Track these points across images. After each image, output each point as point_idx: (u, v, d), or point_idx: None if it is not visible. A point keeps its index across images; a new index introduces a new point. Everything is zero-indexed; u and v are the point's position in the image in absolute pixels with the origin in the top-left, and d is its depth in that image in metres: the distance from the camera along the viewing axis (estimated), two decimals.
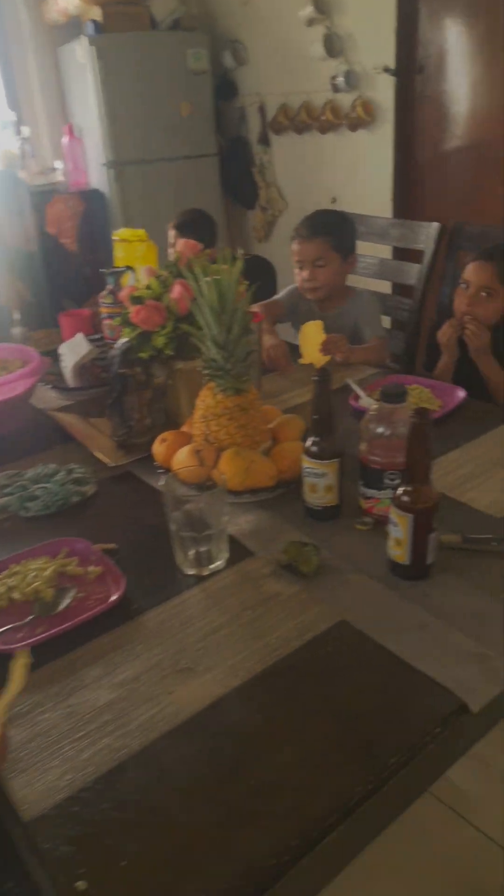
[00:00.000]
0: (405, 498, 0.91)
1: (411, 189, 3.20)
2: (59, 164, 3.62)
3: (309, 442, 1.06)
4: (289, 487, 1.14)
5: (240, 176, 3.83)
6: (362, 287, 1.97)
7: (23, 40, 3.54)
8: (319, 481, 1.06)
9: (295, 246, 1.84)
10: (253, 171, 3.78)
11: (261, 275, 2.58)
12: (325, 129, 3.33)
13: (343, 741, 0.72)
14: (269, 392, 1.58)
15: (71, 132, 3.57)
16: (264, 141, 3.67)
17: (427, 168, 3.13)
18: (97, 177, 3.53)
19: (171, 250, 2.33)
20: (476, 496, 1.13)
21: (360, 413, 1.38)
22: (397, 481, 1.03)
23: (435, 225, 1.95)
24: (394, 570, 0.96)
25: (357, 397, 1.47)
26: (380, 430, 1.03)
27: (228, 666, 0.82)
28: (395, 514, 0.93)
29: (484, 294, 1.63)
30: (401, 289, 2.15)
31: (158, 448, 1.20)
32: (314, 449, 1.05)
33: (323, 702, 0.77)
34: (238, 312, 1.08)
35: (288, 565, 0.97)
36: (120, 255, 1.82)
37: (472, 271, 1.65)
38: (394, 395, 1.02)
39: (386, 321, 2.12)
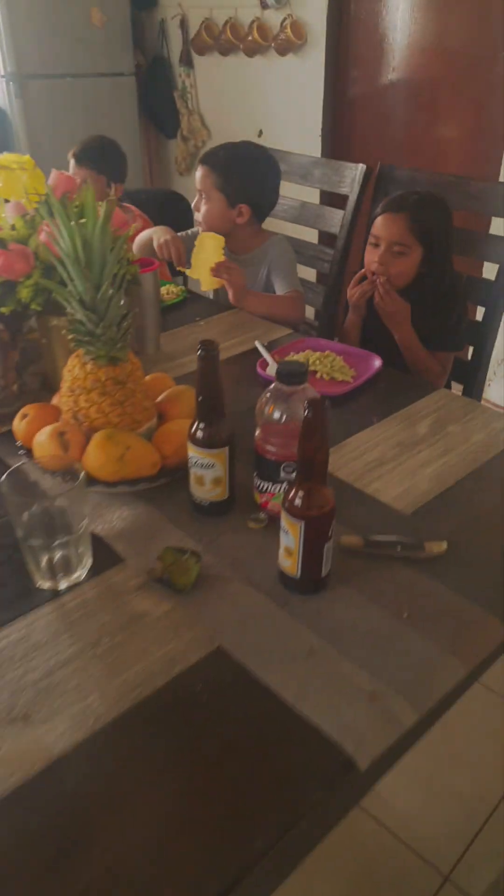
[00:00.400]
0: (297, 501, 0.77)
1: (341, 125, 2.99)
2: None
3: (194, 427, 0.90)
4: (175, 476, 0.98)
5: (160, 101, 3.50)
6: (281, 233, 1.79)
7: None
8: (206, 473, 0.91)
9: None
10: (175, 96, 3.46)
11: (178, 214, 2.34)
12: (251, 51, 3.04)
13: (202, 817, 0.59)
14: (168, 354, 1.40)
15: None
16: (187, 62, 3.35)
17: (359, 103, 2.91)
18: None
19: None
20: (382, 486, 1.01)
21: (268, 383, 1.23)
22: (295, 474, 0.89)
23: (360, 166, 1.77)
24: (284, 583, 0.83)
25: (265, 364, 1.31)
26: (276, 414, 0.88)
27: (74, 712, 0.67)
28: (285, 520, 0.79)
29: (396, 250, 1.46)
30: (326, 238, 1.97)
31: (18, 425, 1.02)
32: (200, 435, 0.89)
33: (182, 761, 0.64)
34: (108, 266, 0.89)
35: (162, 578, 0.82)
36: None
37: (380, 225, 1.48)
38: (291, 375, 0.86)
39: (309, 274, 1.95)
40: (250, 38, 3.00)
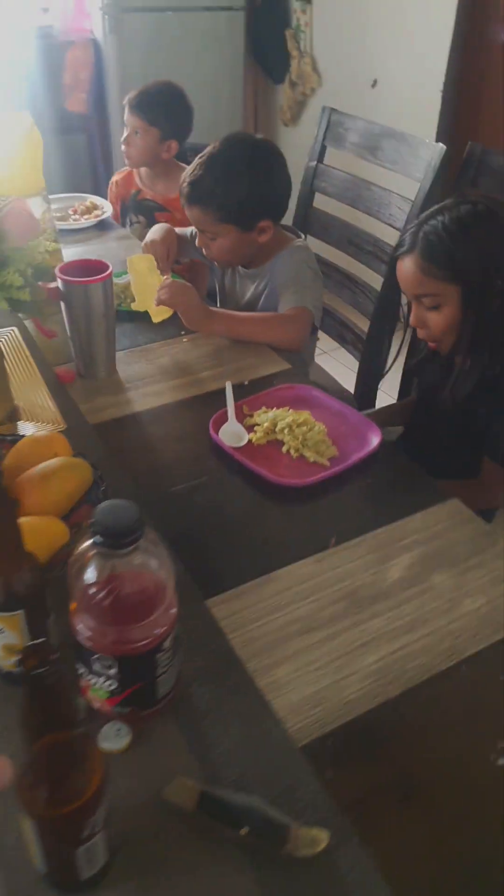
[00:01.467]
0: (29, 785, 0.46)
1: (468, 81, 2.44)
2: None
3: None
4: None
5: (271, 40, 3.06)
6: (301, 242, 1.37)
7: None
8: None
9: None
10: (286, 36, 3.01)
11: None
12: None
13: None
14: (122, 381, 1.10)
15: None
16: None
17: (497, 56, 2.34)
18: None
19: (124, 132, 1.76)
20: (289, 681, 0.66)
21: (222, 454, 0.91)
22: (114, 672, 0.58)
23: (439, 147, 1.33)
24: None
25: (221, 420, 0.97)
26: (90, 586, 0.56)
27: None
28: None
29: (426, 302, 1.01)
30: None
31: None
32: None
33: None
34: None
35: None
36: None
37: (399, 276, 1.03)
38: (112, 533, 0.54)
39: (368, 276, 1.54)
40: None
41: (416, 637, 0.71)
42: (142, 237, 1.70)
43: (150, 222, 1.81)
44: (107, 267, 1.04)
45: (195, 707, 0.65)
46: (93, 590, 0.56)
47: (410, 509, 0.86)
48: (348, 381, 1.61)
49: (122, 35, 2.81)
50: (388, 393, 1.58)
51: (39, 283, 0.91)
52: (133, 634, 0.57)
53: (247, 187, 1.20)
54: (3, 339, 1.10)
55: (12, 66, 2.70)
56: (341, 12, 2.77)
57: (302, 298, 1.22)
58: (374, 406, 1.56)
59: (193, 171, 1.22)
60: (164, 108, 1.77)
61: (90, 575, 0.56)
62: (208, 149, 1.22)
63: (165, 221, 1.47)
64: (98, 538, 0.54)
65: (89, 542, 0.56)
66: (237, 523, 0.84)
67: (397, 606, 0.74)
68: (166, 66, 2.85)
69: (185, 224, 1.46)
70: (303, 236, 1.36)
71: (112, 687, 0.60)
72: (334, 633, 0.71)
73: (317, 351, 1.60)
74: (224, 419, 0.97)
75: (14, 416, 0.98)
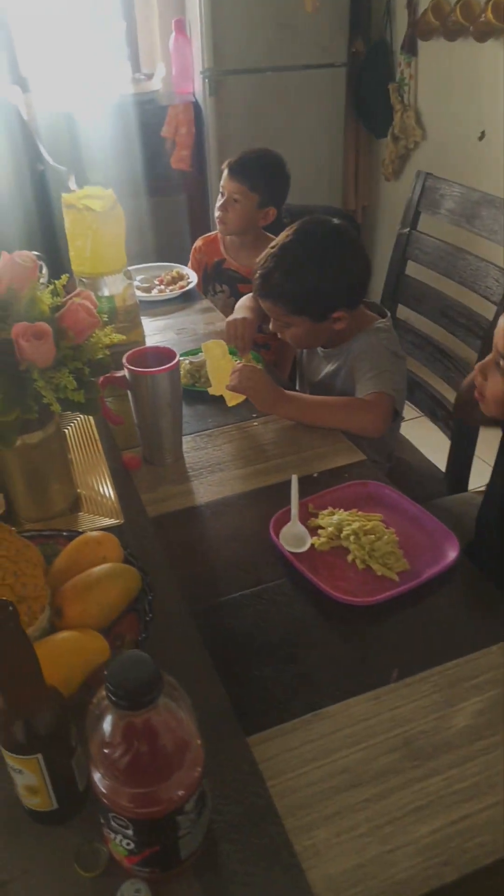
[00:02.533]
0: None
1: None
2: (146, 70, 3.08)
3: None
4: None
5: (374, 94, 3.05)
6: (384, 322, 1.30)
7: None
8: (18, 777, 0.58)
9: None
10: (390, 89, 2.99)
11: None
12: (483, 34, 2.46)
13: None
14: (187, 469, 1.07)
15: (180, 29, 3.00)
16: (409, 48, 2.85)
17: None
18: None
19: (220, 199, 1.77)
20: (327, 863, 0.59)
21: (281, 558, 0.87)
22: (130, 833, 0.53)
23: None
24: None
25: (283, 521, 0.92)
26: (104, 741, 0.52)
27: None
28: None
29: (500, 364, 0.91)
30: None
31: None
32: (3, 735, 0.57)
33: None
34: None
35: None
36: (68, 227, 1.33)
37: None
38: (126, 694, 0.49)
39: (462, 350, 1.45)
40: (483, 18, 2.42)
41: (480, 806, 0.62)
42: (224, 307, 1.70)
43: (233, 293, 1.81)
44: (174, 355, 1.02)
45: (222, 867, 0.59)
46: (107, 748, 0.52)
47: (487, 640, 0.76)
48: (438, 453, 1.52)
49: (222, 96, 2.90)
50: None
51: (103, 376, 0.90)
52: (149, 798, 0.52)
53: (318, 281, 1.16)
54: (73, 423, 1.11)
55: (114, 131, 2.84)
56: (447, 64, 2.72)
57: (382, 383, 1.15)
58: (465, 489, 1.46)
59: (265, 262, 1.20)
60: (265, 175, 1.76)
61: (105, 729, 0.52)
62: (281, 237, 1.19)
63: (248, 293, 1.46)
64: (111, 696, 0.50)
65: (102, 696, 0.52)
66: (288, 644, 0.78)
67: (461, 763, 0.65)
68: (266, 125, 2.90)
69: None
70: (388, 314, 1.30)
71: (129, 847, 0.55)
72: (385, 792, 0.63)
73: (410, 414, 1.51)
74: (287, 518, 0.92)
75: (76, 505, 0.97)
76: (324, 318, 1.20)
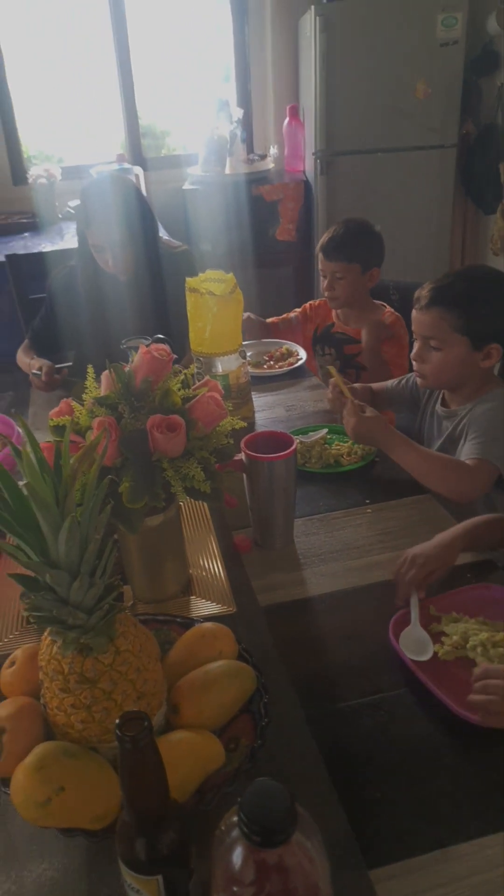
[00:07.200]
0: None
1: None
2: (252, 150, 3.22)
3: (121, 826, 0.55)
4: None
5: (483, 172, 3.06)
6: None
7: (263, 12, 3.14)
8: (132, 894, 0.56)
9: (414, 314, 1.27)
10: (500, 168, 2.99)
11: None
12: None
13: None
14: (297, 554, 1.05)
15: (294, 114, 3.14)
16: None
17: None
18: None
19: (323, 281, 1.81)
20: None
21: (401, 664, 0.82)
22: None
23: None
24: None
25: (402, 623, 0.87)
26: (231, 875, 0.49)
27: None
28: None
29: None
30: None
31: (3, 672, 0.78)
32: (125, 846, 0.54)
33: None
34: (92, 514, 0.60)
35: None
36: (190, 309, 1.37)
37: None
38: (259, 830, 0.46)
39: None
40: None
41: None
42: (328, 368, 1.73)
43: (339, 354, 1.85)
44: (291, 442, 1.02)
45: None
46: (236, 885, 0.48)
47: None
48: None
49: (332, 175, 2.98)
50: None
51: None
52: None
53: (493, 304, 1.18)
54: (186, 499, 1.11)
55: (226, 206, 2.97)
56: None
57: (488, 450, 1.12)
58: None
59: (440, 279, 1.23)
60: (358, 241, 1.79)
61: (233, 861, 0.49)
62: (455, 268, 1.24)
63: (354, 354, 1.47)
64: (244, 828, 0.47)
65: (236, 818, 0.49)
66: (410, 765, 0.72)
67: None
68: (374, 201, 2.96)
69: (370, 354, 1.51)
70: None
71: None
72: None
73: None
74: (406, 621, 0.87)
75: (188, 588, 0.96)
76: (480, 346, 1.20)
